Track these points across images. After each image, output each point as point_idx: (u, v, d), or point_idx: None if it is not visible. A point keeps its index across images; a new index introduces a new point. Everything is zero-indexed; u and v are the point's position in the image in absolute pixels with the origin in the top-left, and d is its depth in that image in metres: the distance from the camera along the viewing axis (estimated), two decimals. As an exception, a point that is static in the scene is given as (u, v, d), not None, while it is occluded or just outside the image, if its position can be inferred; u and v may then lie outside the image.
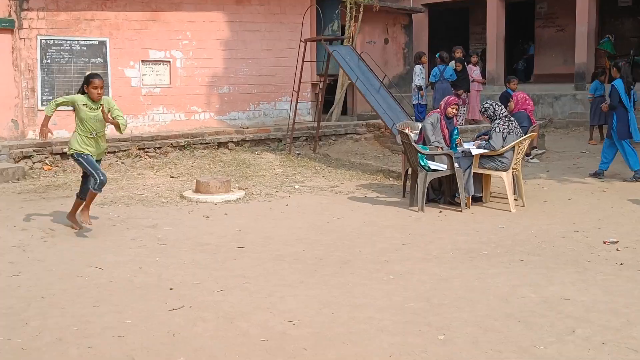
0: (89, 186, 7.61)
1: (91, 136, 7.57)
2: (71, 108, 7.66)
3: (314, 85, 15.83)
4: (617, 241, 7.40)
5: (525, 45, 24.78)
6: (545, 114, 18.68)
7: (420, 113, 14.77)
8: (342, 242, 7.53)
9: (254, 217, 8.77)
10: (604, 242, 7.37)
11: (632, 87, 11.13)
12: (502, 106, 9.40)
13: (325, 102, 14.73)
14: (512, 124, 9.16)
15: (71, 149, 7.62)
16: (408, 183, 9.82)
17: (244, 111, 14.93)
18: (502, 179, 9.24)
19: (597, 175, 11.20)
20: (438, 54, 15.39)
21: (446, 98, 9.97)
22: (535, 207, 9.24)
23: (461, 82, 15.23)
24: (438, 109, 9.98)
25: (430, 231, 8.02)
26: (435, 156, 9.42)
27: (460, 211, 8.99)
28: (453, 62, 15.43)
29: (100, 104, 7.52)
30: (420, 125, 10.48)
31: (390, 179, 11.33)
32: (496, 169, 9.17)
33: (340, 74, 16.33)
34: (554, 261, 6.76)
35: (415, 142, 9.44)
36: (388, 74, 15.49)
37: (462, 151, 9.45)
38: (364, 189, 10.55)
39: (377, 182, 11.08)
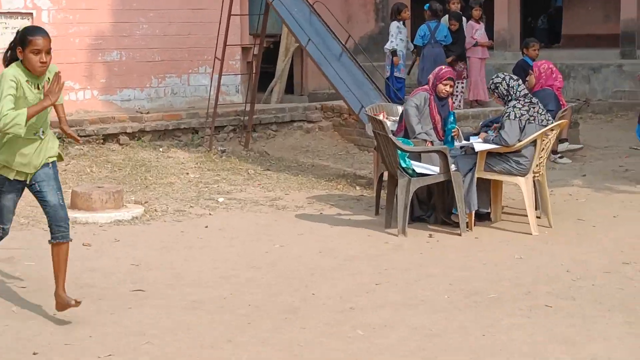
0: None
1: (34, 136, 6.49)
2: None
3: (245, 50, 15.75)
4: (684, 277, 7.51)
5: (550, -7, 25.09)
6: (579, 92, 18.88)
7: (398, 90, 14.80)
8: (288, 282, 7.49)
9: (158, 245, 8.68)
10: (665, 279, 7.48)
11: None
12: (520, 81, 9.46)
13: (262, 75, 14.67)
14: (533, 107, 9.22)
15: None
16: (383, 193, 9.80)
17: (142, 88, 14.79)
18: (519, 188, 9.30)
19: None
20: (427, 4, 15.46)
21: (436, 70, 10.02)
22: (567, 229, 9.30)
23: (456, 47, 15.29)
24: (426, 86, 10.02)
25: (417, 264, 8.02)
26: (422, 154, 9.43)
27: (459, 234, 9.02)
28: (447, 17, 15.49)
29: (47, 80, 6.45)
30: (400, 109, 10.49)
31: (358, 187, 11.33)
32: (510, 173, 9.23)
33: (284, 34, 16.28)
34: (594, 307, 6.81)
35: (393, 134, 9.44)
36: (354, 34, 15.48)
37: (462, 147, 9.48)
38: (319, 202, 10.53)
39: (339, 193, 11.07)
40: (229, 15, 13.29)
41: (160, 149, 13.20)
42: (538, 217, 9.48)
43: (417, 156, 9.39)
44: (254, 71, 14.00)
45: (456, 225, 9.17)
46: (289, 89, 17.61)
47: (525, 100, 9.25)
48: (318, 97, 17.14)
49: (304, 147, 14.15)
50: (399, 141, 9.20)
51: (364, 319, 6.53)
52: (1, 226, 6.66)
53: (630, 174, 12.09)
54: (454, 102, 12.38)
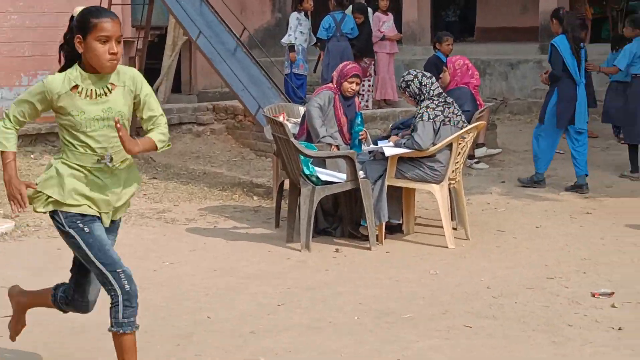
0: (89, 299, 5.74)
1: (99, 165, 5.36)
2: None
3: (127, 44, 15.63)
4: (613, 293, 7.63)
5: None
6: (496, 90, 19.14)
7: (298, 88, 14.83)
8: (180, 304, 7.45)
9: (32, 264, 8.58)
10: (593, 295, 7.60)
11: (581, 46, 11.64)
12: (433, 79, 9.54)
13: (146, 72, 14.58)
14: (448, 107, 9.30)
15: (42, 199, 5.41)
16: (284, 204, 9.80)
17: (11, 87, 14.58)
18: (434, 196, 9.37)
19: (578, 188, 11.58)
20: (333, -7, 15.55)
21: (341, 66, 10.06)
22: (486, 241, 9.41)
23: (361, 42, 15.35)
24: (330, 84, 10.05)
25: (322, 282, 8.03)
26: (327, 160, 9.46)
27: (369, 249, 9.06)
28: (351, 7, 15.58)
29: (111, 84, 5.35)
30: (302, 109, 10.52)
31: (255, 197, 11.32)
32: (424, 180, 9.29)
33: (171, 26, 16.20)
34: (517, 326, 6.88)
35: (295, 137, 9.45)
36: (249, 26, 15.49)
37: (370, 151, 9.53)
38: (212, 214, 10.49)
39: (234, 203, 11.05)
40: (109, 4, 13.19)
41: (32, 156, 13.03)
42: (454, 229, 9.57)
43: (321, 162, 9.41)
44: (137, 68, 13.91)
45: (365, 238, 9.21)
46: (176, 87, 17.53)
47: (440, 100, 9.32)
48: (209, 96, 17.10)
49: (194, 152, 14.09)
50: (301, 145, 9.19)
51: (266, 344, 6.51)
52: (119, 270, 5.65)
53: (553, 180, 12.28)
54: (360, 102, 12.48)
